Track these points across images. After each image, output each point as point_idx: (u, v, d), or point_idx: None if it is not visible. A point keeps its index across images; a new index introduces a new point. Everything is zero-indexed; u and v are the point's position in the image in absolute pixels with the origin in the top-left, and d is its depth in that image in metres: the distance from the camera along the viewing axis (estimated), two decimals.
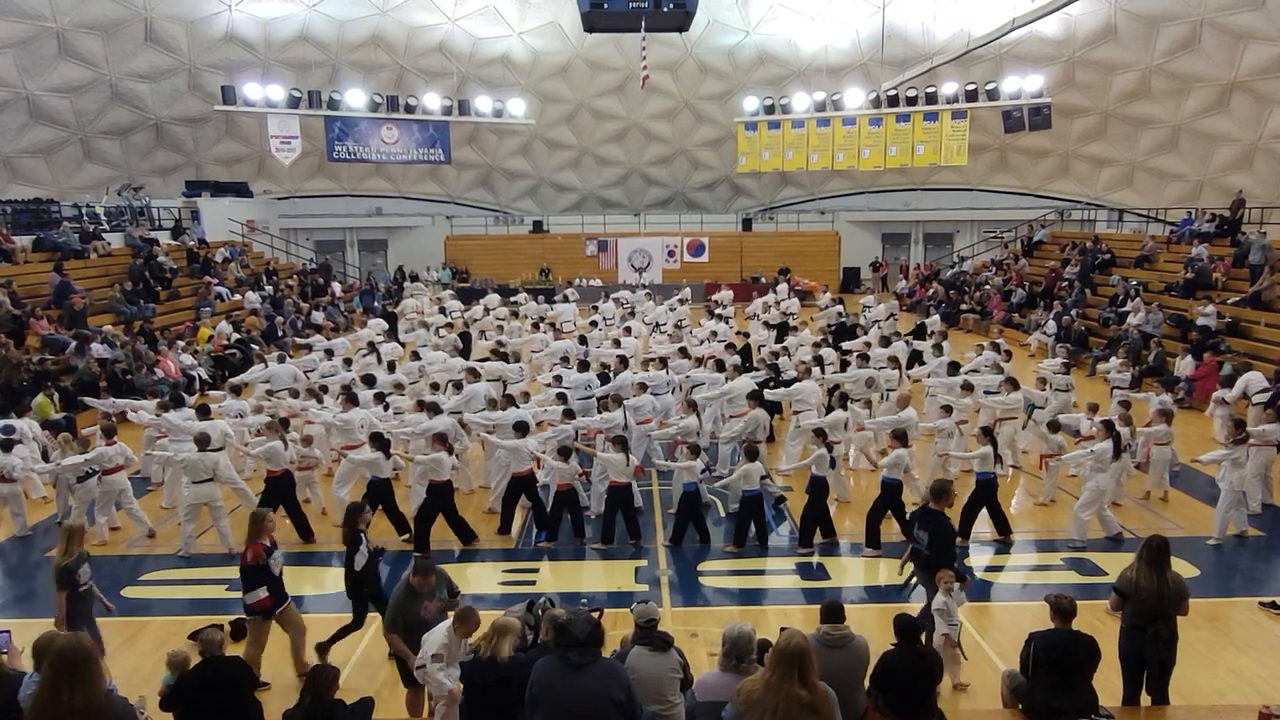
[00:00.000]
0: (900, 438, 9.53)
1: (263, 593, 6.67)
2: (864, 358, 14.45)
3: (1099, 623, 7.10)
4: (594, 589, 8.81)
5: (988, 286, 26.72)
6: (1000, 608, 8.42)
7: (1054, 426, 10.92)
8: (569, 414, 10.95)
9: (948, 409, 11.43)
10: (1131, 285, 21.05)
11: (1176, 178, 27.80)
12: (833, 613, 5.37)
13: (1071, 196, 31.30)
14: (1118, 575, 6.09)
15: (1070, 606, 5.59)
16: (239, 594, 6.70)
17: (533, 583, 9.02)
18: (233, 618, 8.01)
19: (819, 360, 14.61)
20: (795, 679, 4.13)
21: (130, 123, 28.89)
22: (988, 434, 9.85)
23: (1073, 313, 21.00)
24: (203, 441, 9.80)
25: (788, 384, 12.99)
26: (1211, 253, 20.50)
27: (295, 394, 13.62)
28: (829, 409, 11.94)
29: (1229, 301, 18.33)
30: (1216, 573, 9.08)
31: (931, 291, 28.04)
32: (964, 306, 25.85)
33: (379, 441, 9.80)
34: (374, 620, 8.19)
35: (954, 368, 13.37)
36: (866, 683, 5.41)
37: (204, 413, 11.09)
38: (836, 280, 32.25)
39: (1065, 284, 23.79)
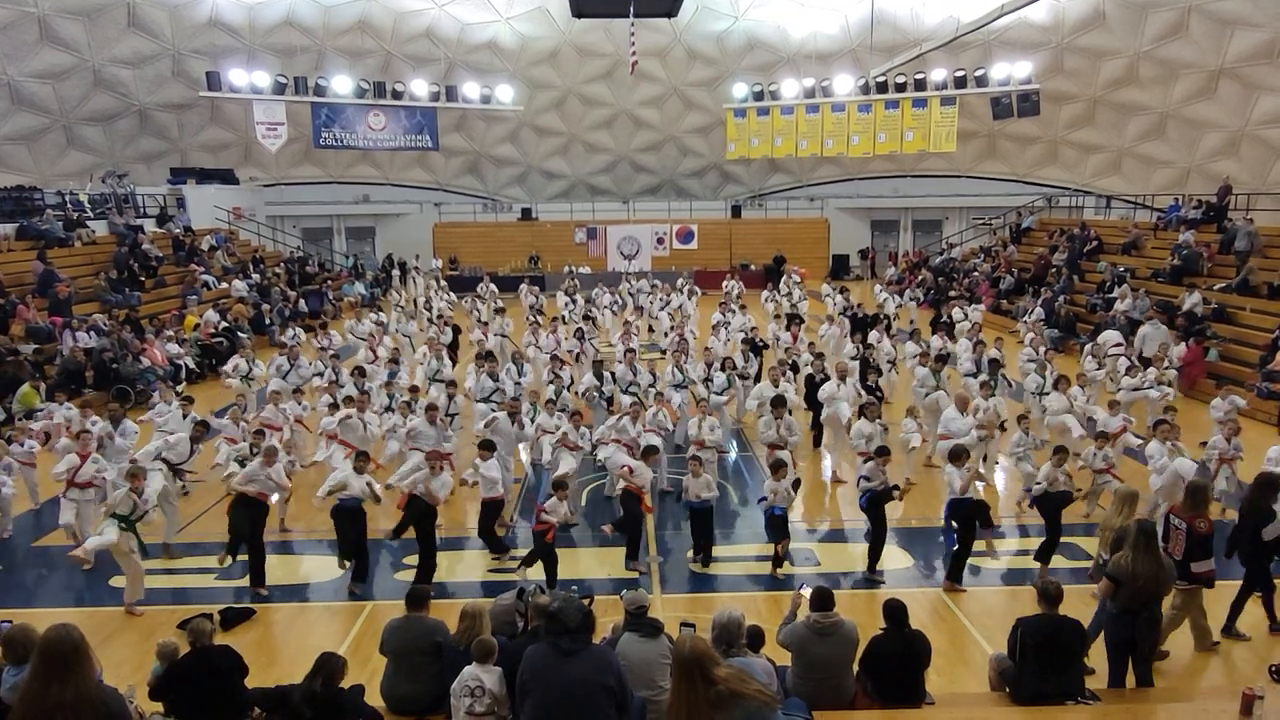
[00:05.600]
0: (958, 457, 8.45)
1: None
2: (941, 358, 13.08)
3: (1085, 608, 7.15)
4: (584, 576, 8.83)
5: (976, 273, 26.82)
6: (988, 592, 8.49)
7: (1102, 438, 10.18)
8: (576, 415, 10.75)
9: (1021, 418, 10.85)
10: (1119, 271, 21.15)
11: (1164, 164, 27.92)
12: (822, 600, 5.42)
13: (1060, 183, 31.40)
14: (1111, 563, 6.13)
15: (1057, 592, 5.64)
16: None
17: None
18: (221, 607, 8.00)
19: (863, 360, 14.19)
20: (699, 683, 4.15)
21: (114, 109, 28.56)
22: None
23: (1061, 299, 21.10)
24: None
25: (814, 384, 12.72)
26: (1198, 239, 20.61)
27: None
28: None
29: (1215, 287, 18.42)
30: None
31: (921, 278, 28.11)
32: (953, 293, 25.91)
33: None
34: (364, 609, 8.21)
35: (994, 365, 12.61)
36: (856, 667, 5.46)
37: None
38: (826, 267, 32.29)
39: (1053, 270, 23.89)
